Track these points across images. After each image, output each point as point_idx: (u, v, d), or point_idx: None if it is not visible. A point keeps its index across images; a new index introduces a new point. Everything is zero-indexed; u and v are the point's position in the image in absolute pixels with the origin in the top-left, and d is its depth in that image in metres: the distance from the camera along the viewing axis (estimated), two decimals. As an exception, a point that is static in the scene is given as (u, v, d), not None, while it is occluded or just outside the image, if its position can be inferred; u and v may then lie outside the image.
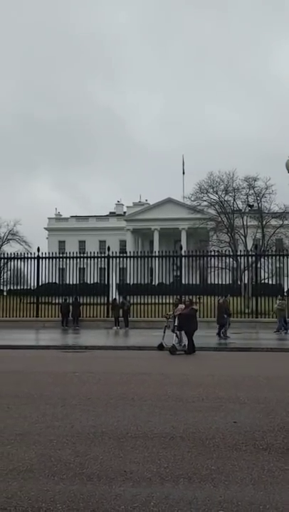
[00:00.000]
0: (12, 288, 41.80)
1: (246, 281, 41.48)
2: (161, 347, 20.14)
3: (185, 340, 19.76)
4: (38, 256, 35.92)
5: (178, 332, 19.85)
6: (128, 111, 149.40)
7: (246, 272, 41.14)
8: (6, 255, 41.97)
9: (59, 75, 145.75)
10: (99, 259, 37.15)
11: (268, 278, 40.29)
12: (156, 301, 32.85)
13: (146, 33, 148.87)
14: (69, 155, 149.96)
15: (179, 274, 35.62)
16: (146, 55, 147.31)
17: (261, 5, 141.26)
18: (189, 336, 19.51)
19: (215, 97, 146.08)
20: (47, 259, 36.23)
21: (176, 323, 19.76)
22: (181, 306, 20.99)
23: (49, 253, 37.95)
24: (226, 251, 45.04)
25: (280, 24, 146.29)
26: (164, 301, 31.58)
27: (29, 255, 37.21)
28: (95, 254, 37.65)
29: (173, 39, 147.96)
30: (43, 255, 36.23)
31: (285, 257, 36.99)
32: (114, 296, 34.65)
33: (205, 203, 58.67)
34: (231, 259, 43.02)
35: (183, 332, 19.92)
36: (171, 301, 24.14)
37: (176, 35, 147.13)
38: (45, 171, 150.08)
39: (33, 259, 36.13)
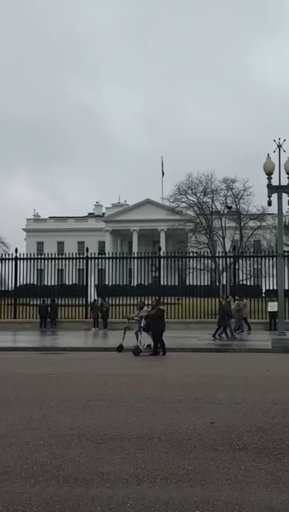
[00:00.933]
0: (-11, 289, 41.48)
1: (224, 283, 41.71)
2: (120, 348, 20.06)
3: (146, 341, 19.67)
4: (16, 257, 35.73)
5: (138, 333, 19.92)
6: (106, 110, 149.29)
7: (224, 273, 41.36)
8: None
9: (36, 73, 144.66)
10: (77, 261, 37.07)
11: (246, 279, 40.57)
12: (135, 302, 32.81)
13: (124, 32, 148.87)
14: (46, 154, 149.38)
15: (157, 275, 35.71)
16: (124, 55, 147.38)
17: (240, 5, 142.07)
18: (159, 336, 19.30)
19: (195, 97, 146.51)
20: (25, 260, 36.03)
21: (142, 325, 19.65)
22: (146, 309, 21.03)
23: (27, 254, 37.74)
24: (204, 252, 45.27)
25: (260, 24, 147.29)
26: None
27: (7, 256, 36.97)
28: (74, 256, 37.55)
29: (152, 39, 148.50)
30: (21, 256, 36.03)
31: (263, 258, 37.33)
32: (93, 297, 34.59)
33: (184, 205, 59.07)
34: (210, 261, 43.26)
35: (143, 333, 19.97)
36: (149, 302, 24.09)
37: (155, 35, 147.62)
38: (22, 171, 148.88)
39: (10, 261, 35.92)
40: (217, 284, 43.26)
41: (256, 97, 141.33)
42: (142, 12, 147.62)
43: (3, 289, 37.95)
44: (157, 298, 22.75)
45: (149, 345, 19.56)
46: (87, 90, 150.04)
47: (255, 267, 39.91)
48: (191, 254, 42.40)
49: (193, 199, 57.58)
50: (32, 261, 36.68)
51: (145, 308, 21.06)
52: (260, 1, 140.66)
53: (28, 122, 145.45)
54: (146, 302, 22.79)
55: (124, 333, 20.60)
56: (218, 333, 25.46)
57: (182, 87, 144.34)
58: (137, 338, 19.71)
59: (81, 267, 36.40)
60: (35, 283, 38.39)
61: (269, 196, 21.72)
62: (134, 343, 19.64)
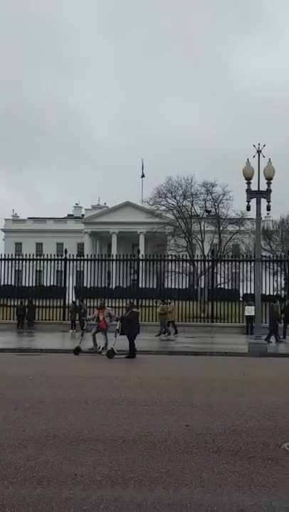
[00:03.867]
0: None
1: (202, 286, 41.87)
2: (77, 351, 19.82)
3: (110, 344, 19.66)
4: (-7, 258, 35.47)
5: (94, 335, 20.06)
6: (85, 110, 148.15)
7: (203, 276, 41.53)
8: None
9: (11, 69, 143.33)
10: (56, 262, 36.92)
11: (224, 283, 40.77)
12: (114, 304, 32.78)
13: (102, 30, 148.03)
14: (23, 153, 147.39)
15: (136, 277, 35.68)
16: (103, 53, 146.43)
17: (221, 3, 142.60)
18: (131, 339, 19.17)
19: (175, 97, 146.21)
20: (2, 261, 35.77)
21: (117, 327, 19.63)
22: (109, 309, 21.10)
23: (5, 255, 37.46)
24: (183, 256, 45.41)
25: (241, 23, 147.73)
26: (121, 304, 31.55)
27: (-17, 257, 36.65)
28: (52, 257, 37.40)
29: (131, 37, 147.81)
30: (-2, 257, 35.78)
31: (241, 263, 37.59)
32: (72, 299, 34.48)
33: (163, 208, 59.16)
34: (188, 264, 43.38)
35: (97, 335, 20.09)
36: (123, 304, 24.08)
37: (135, 33, 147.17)
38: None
39: (-13, 261, 35.63)
40: (195, 287, 43.38)
41: (237, 98, 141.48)
42: (122, 9, 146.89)
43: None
44: (131, 301, 22.79)
45: (104, 348, 19.61)
46: (63, 88, 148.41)
47: (234, 271, 40.13)
48: (169, 258, 42.49)
49: (173, 202, 57.73)
50: (10, 262, 36.40)
51: (108, 309, 21.13)
52: (241, 1, 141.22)
53: (3, 121, 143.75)
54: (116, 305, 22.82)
55: (82, 336, 20.72)
56: (270, 337, 25.50)
57: (162, 88, 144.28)
58: (94, 341, 19.96)
59: (60, 269, 36.23)
60: (13, 284, 38.10)
61: (248, 201, 21.87)
62: (91, 345, 19.98)
